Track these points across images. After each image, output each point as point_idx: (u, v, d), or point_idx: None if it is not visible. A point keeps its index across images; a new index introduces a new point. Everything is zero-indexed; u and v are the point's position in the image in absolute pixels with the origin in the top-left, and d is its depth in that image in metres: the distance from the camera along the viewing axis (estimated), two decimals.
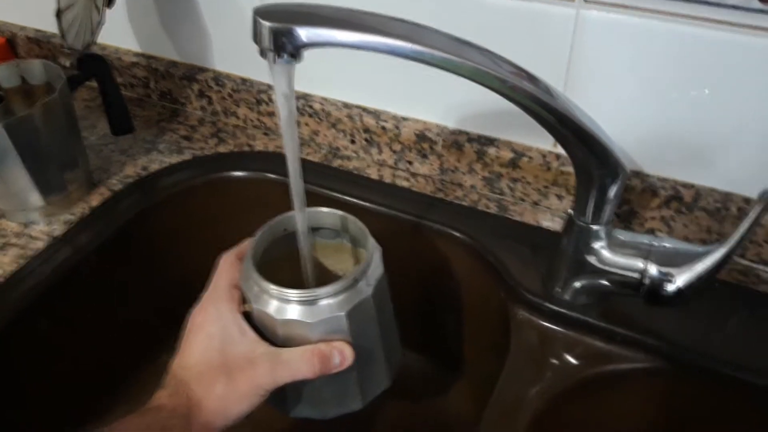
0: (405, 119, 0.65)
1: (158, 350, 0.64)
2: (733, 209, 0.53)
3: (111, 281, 0.63)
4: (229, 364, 0.41)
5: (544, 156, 0.60)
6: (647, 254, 0.45)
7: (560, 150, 0.59)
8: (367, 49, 0.34)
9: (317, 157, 0.69)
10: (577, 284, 0.50)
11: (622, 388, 0.51)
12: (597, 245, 0.47)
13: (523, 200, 0.63)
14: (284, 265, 0.47)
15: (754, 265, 0.55)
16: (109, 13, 0.64)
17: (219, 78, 0.73)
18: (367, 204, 0.62)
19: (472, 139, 0.62)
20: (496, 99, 0.39)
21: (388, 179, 0.66)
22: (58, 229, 0.61)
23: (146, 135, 0.73)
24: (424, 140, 0.63)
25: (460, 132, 0.63)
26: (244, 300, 0.44)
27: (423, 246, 0.61)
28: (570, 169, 0.58)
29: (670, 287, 0.44)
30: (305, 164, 0.64)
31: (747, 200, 0.54)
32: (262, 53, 0.33)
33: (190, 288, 0.46)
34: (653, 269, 0.44)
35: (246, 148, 0.71)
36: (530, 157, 0.59)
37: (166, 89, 0.77)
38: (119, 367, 0.67)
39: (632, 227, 0.59)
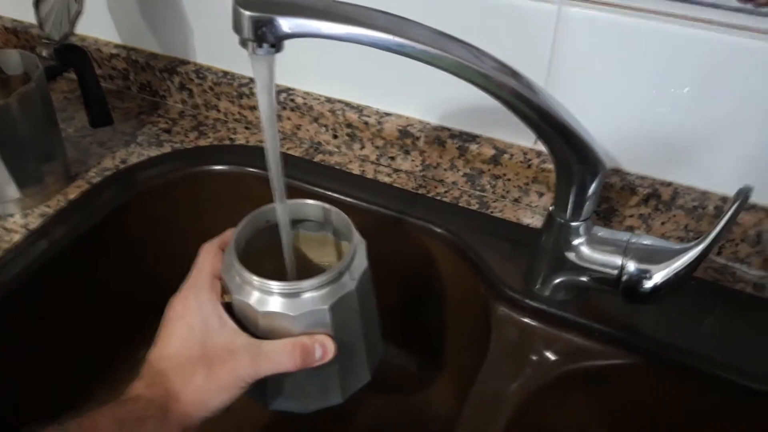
0: (388, 115, 0.65)
1: (136, 344, 0.63)
2: (710, 207, 0.54)
3: (88, 274, 0.62)
4: (209, 355, 0.40)
5: (525, 153, 0.60)
6: (625, 251, 0.45)
7: (541, 147, 0.60)
8: (348, 40, 0.33)
9: (299, 151, 0.69)
10: (557, 280, 0.51)
11: (600, 384, 0.52)
12: (576, 242, 0.47)
13: (504, 197, 0.63)
14: (267, 257, 0.46)
15: (730, 264, 0.56)
16: (89, 4, 0.63)
17: (200, 71, 0.72)
18: (349, 199, 0.62)
19: (454, 135, 0.62)
20: (478, 96, 0.39)
21: (370, 175, 0.66)
22: (34, 221, 0.60)
23: (125, 128, 0.73)
24: (406, 136, 0.63)
25: (443, 128, 0.63)
26: (224, 291, 0.43)
27: (404, 242, 0.61)
28: (550, 166, 0.58)
29: (648, 284, 0.44)
30: (287, 159, 0.64)
31: (724, 199, 0.54)
32: (243, 43, 0.33)
33: (169, 282, 0.46)
34: (631, 266, 0.45)
35: (227, 142, 0.71)
36: (511, 154, 0.60)
37: (146, 81, 0.76)
38: (96, 360, 0.66)
39: (611, 225, 0.59)
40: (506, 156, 0.60)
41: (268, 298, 0.41)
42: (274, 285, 0.41)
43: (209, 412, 0.40)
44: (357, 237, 0.45)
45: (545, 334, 0.52)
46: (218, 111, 0.74)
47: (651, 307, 0.49)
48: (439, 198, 0.63)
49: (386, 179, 0.65)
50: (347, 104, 0.67)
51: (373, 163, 0.67)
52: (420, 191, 0.64)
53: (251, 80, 0.70)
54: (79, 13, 0.62)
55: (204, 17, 0.70)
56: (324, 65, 0.66)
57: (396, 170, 0.66)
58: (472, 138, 0.62)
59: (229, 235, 0.46)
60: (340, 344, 0.43)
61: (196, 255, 0.46)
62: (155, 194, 0.66)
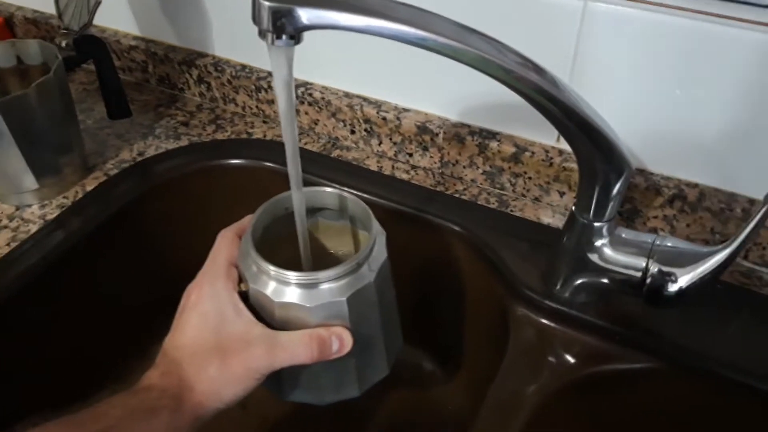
0: (406, 110, 0.64)
1: (150, 337, 0.63)
2: (737, 210, 0.53)
3: (104, 266, 0.62)
4: (224, 345, 0.40)
5: (546, 151, 0.59)
6: (650, 253, 0.44)
7: (563, 146, 0.59)
8: (369, 32, 0.33)
9: (316, 146, 0.68)
10: (578, 282, 0.49)
11: (619, 388, 0.51)
12: (599, 242, 0.46)
13: (524, 196, 0.62)
14: (285, 245, 0.45)
15: (757, 268, 0.54)
16: None
17: (218, 64, 0.72)
18: (366, 195, 0.61)
19: (473, 132, 0.61)
20: (499, 92, 0.38)
21: (387, 171, 0.65)
22: (52, 212, 0.60)
23: (143, 120, 0.72)
24: (425, 132, 0.63)
25: (462, 125, 0.62)
26: (241, 279, 0.42)
27: (421, 239, 0.60)
28: (573, 165, 0.57)
29: (672, 287, 0.43)
30: (304, 153, 0.63)
31: (752, 201, 0.53)
32: (261, 34, 0.32)
33: (183, 275, 0.45)
34: (656, 268, 0.44)
35: (244, 136, 0.70)
36: (532, 152, 0.59)
37: (164, 74, 0.76)
38: (110, 352, 0.66)
39: (634, 226, 0.58)
40: (527, 154, 0.59)
41: (284, 288, 0.40)
42: (291, 275, 0.40)
43: (223, 403, 0.40)
44: (377, 227, 0.44)
45: (565, 336, 0.51)
46: (236, 104, 0.73)
47: (674, 310, 0.48)
48: (457, 195, 0.62)
49: (404, 176, 0.64)
50: (365, 99, 0.66)
51: (390, 159, 0.67)
52: (438, 188, 0.63)
53: (269, 74, 0.70)
54: (98, 4, 0.62)
55: (223, 10, 0.69)
56: (342, 60, 0.65)
57: (414, 167, 0.65)
58: (492, 135, 0.61)
59: (247, 221, 0.44)
60: (357, 337, 0.41)
61: (210, 249, 0.45)
62: (172, 187, 0.66)
